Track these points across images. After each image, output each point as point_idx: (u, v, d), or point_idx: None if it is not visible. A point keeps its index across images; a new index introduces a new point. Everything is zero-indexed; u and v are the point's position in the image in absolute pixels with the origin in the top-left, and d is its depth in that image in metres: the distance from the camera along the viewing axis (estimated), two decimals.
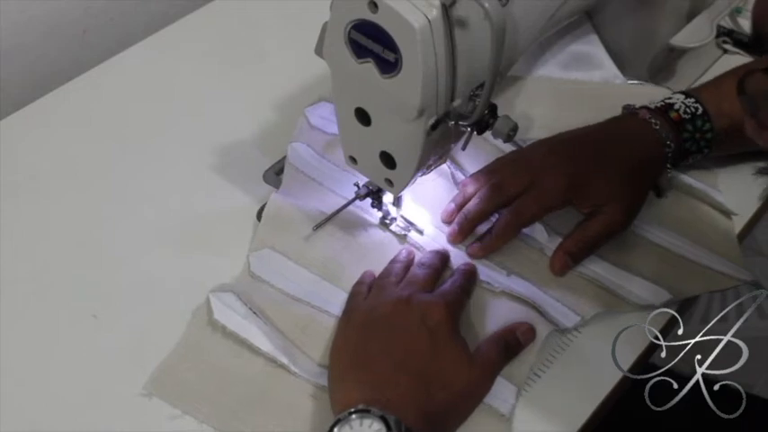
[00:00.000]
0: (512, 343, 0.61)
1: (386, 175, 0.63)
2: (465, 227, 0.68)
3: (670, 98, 0.71)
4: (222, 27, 0.92)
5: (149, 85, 0.85)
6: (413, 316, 0.59)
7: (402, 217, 0.71)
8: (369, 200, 0.69)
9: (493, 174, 0.68)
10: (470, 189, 0.69)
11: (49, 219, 0.72)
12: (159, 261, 0.68)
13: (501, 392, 0.60)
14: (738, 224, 0.72)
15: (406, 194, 0.70)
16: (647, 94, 0.74)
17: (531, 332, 0.62)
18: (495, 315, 0.64)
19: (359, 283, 0.66)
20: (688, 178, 0.73)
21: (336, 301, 0.65)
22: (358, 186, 0.69)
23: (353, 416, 0.52)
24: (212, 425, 0.59)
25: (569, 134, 0.70)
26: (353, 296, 0.65)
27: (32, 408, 0.60)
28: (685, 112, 0.69)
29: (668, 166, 0.69)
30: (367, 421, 0.52)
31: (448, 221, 0.70)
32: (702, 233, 0.70)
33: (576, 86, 0.82)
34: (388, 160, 0.62)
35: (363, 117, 0.60)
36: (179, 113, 0.82)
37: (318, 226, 0.68)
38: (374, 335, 0.59)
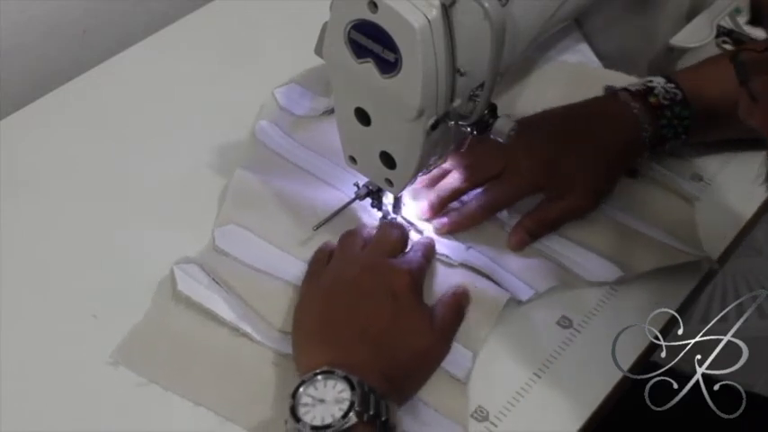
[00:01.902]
0: (464, 304, 0.64)
1: (386, 175, 0.63)
2: (436, 205, 0.69)
3: (651, 81, 0.71)
4: (222, 27, 0.92)
5: (149, 85, 0.85)
6: (378, 282, 0.61)
7: (402, 217, 0.71)
8: (369, 200, 0.69)
9: (467, 154, 0.68)
10: (441, 171, 0.69)
11: (49, 219, 0.72)
12: (159, 261, 0.68)
13: (457, 358, 0.61)
14: (738, 224, 0.72)
15: (406, 195, 0.70)
16: (623, 80, 0.75)
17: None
18: (452, 286, 0.65)
19: (320, 250, 0.67)
20: (656, 165, 0.74)
21: (298, 272, 0.66)
22: (358, 186, 0.69)
23: (318, 377, 0.53)
24: (177, 392, 0.60)
25: (546, 115, 0.71)
26: (315, 261, 0.66)
27: (32, 408, 0.60)
28: (665, 98, 0.69)
29: (645, 153, 0.70)
30: (331, 382, 0.53)
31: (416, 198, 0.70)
32: (661, 216, 0.71)
33: (556, 65, 0.82)
34: (388, 160, 0.62)
35: (363, 117, 0.60)
36: (179, 113, 0.82)
37: (318, 226, 0.68)
38: (339, 300, 0.61)
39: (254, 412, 0.59)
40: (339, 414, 0.51)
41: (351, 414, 0.51)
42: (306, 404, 0.52)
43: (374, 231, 0.68)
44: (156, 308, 0.65)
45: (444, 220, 0.69)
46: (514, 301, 0.66)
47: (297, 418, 0.52)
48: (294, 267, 0.67)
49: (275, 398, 0.60)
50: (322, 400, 0.52)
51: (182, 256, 0.68)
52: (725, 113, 0.69)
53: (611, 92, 0.72)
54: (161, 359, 0.62)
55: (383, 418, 0.53)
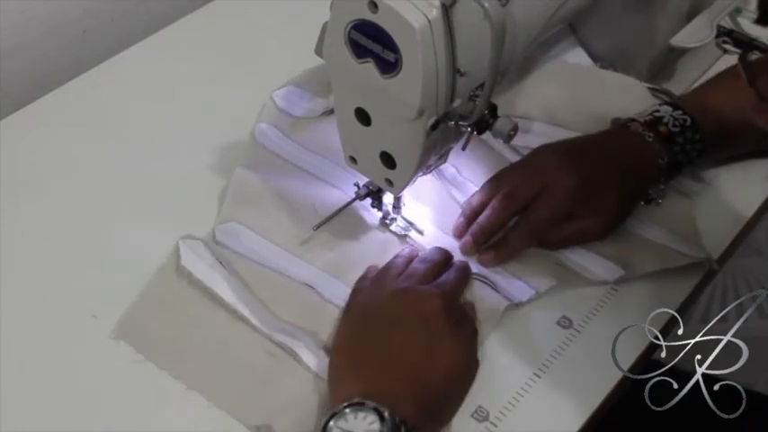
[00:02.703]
0: (474, 317, 0.64)
1: (386, 175, 0.63)
2: (479, 238, 0.67)
3: (658, 111, 0.70)
4: (222, 27, 0.92)
5: (149, 85, 0.85)
6: (409, 308, 0.60)
7: (402, 217, 0.71)
8: (369, 199, 0.69)
9: (501, 183, 0.68)
10: (478, 200, 0.68)
11: (49, 219, 0.72)
12: (159, 261, 0.68)
13: None
14: (738, 224, 0.72)
15: (406, 195, 0.70)
16: (621, 81, 0.76)
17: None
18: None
19: (361, 279, 0.66)
20: None
21: (299, 270, 0.67)
22: (358, 186, 0.69)
23: (347, 409, 0.53)
24: (170, 372, 0.61)
25: (572, 141, 0.71)
26: (355, 292, 0.65)
27: (32, 408, 0.60)
28: (674, 125, 0.69)
29: (662, 181, 0.70)
30: (361, 414, 0.52)
31: (459, 236, 0.69)
32: (660, 213, 0.71)
33: (556, 66, 0.82)
34: (388, 160, 0.62)
35: (363, 117, 0.60)
36: (179, 113, 0.82)
37: (319, 226, 0.68)
38: (371, 329, 0.60)
39: (241, 400, 0.60)
40: None
41: None
42: None
43: (414, 257, 0.67)
44: (158, 282, 0.65)
45: (490, 252, 0.68)
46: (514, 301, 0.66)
47: None
48: (294, 266, 0.67)
49: (263, 388, 0.60)
50: None
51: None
52: (737, 129, 0.69)
53: (620, 124, 0.71)
54: (158, 337, 0.63)
55: None
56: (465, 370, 0.60)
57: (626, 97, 0.77)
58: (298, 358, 0.61)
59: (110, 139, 0.79)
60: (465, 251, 0.68)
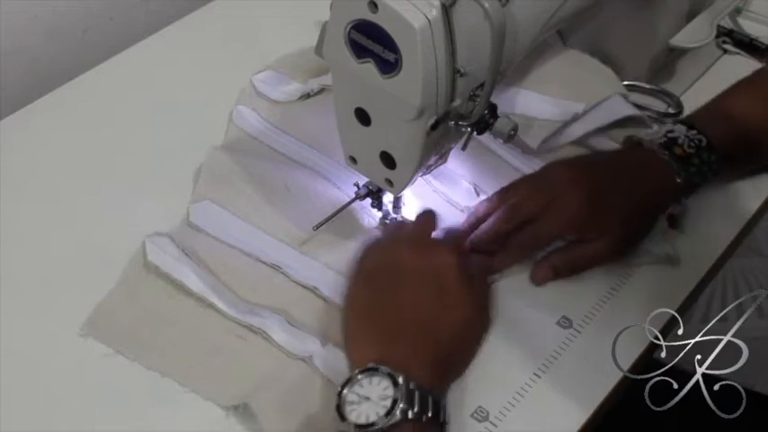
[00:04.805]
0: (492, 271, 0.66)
1: (386, 175, 0.63)
2: (479, 246, 0.67)
3: (672, 131, 0.69)
4: (222, 27, 0.92)
5: (149, 86, 0.85)
6: (421, 263, 0.60)
7: (402, 217, 0.71)
8: (369, 200, 0.69)
9: (510, 193, 0.67)
10: (484, 209, 0.68)
11: (50, 219, 0.72)
12: None
13: None
14: (738, 224, 0.72)
15: (406, 194, 0.70)
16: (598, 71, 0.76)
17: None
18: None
19: (369, 240, 0.67)
20: None
21: (271, 250, 0.68)
22: (358, 186, 0.69)
23: (362, 375, 0.54)
24: (142, 363, 0.61)
25: (584, 158, 0.71)
26: (368, 249, 0.65)
27: (32, 408, 0.60)
28: (689, 146, 0.67)
29: (681, 198, 0.68)
30: (375, 379, 0.53)
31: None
32: None
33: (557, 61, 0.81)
34: (388, 160, 0.62)
35: (363, 117, 0.60)
36: (179, 113, 0.82)
37: (318, 226, 0.68)
38: (383, 287, 0.60)
39: (215, 383, 0.60)
40: (383, 412, 0.52)
41: (394, 411, 0.51)
42: (352, 402, 0.53)
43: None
44: (126, 279, 0.66)
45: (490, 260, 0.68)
46: (514, 301, 0.66)
47: (342, 417, 0.52)
48: (266, 244, 0.68)
49: (236, 370, 0.61)
50: (367, 398, 0.53)
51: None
52: (759, 141, 0.69)
53: (634, 142, 0.70)
54: (128, 329, 0.63)
55: (429, 414, 0.53)
56: (476, 323, 0.61)
57: (597, 76, 0.76)
58: (268, 337, 0.62)
59: (110, 139, 0.79)
60: None
